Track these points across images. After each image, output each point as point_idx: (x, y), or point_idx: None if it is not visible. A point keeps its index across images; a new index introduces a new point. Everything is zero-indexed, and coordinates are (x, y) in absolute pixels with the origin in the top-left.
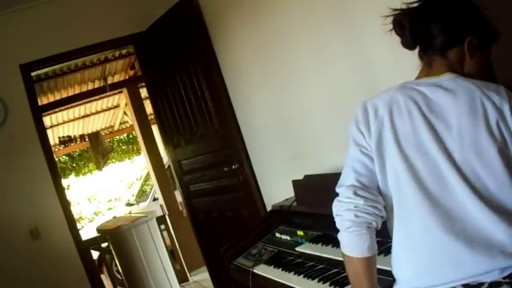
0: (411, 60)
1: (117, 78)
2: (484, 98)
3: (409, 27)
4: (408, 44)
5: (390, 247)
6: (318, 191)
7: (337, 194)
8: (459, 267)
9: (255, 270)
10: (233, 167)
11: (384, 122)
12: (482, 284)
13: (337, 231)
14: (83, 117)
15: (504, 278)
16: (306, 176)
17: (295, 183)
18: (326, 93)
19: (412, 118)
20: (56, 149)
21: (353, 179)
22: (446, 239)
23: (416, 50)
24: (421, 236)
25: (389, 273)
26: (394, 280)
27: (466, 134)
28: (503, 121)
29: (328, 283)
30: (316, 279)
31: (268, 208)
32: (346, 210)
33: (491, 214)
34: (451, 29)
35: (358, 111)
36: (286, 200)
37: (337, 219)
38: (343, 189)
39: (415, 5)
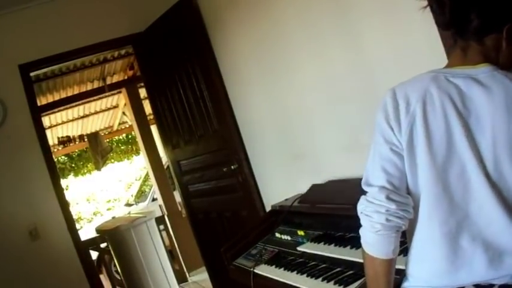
0: (410, 58)
1: (116, 78)
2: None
3: (450, 5)
4: (446, 24)
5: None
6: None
7: (363, 192)
8: (473, 272)
9: (256, 270)
10: (232, 167)
11: (416, 118)
12: (493, 285)
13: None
14: (82, 117)
15: None
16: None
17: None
18: (325, 92)
19: (446, 116)
20: (55, 149)
21: (384, 180)
22: (463, 244)
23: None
24: (441, 237)
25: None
26: (403, 276)
27: (501, 135)
28: None
29: (332, 282)
30: (320, 278)
31: (268, 208)
32: (376, 213)
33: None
34: (490, 13)
35: (387, 102)
36: (286, 200)
37: (365, 219)
38: (373, 190)
39: None
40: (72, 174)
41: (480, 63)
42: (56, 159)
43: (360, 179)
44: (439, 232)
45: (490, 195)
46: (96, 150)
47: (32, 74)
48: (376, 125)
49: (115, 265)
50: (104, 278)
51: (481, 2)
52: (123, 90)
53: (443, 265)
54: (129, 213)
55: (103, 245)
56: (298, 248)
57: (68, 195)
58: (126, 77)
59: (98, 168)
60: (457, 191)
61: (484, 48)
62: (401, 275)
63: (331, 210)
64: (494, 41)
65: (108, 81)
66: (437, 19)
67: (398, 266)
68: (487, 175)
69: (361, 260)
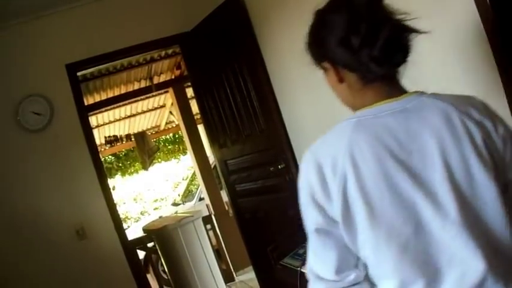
0: (457, 58)
1: (163, 78)
2: (464, 117)
3: (383, 43)
4: (382, 63)
5: None
6: None
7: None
8: None
9: (303, 270)
10: (279, 166)
11: (348, 179)
12: None
13: None
14: (129, 117)
15: None
16: None
17: None
18: None
19: (383, 167)
20: (102, 149)
21: (325, 271)
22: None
23: None
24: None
25: None
26: None
27: (455, 163)
28: (489, 139)
29: None
30: None
31: None
32: None
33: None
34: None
35: (308, 172)
36: None
37: None
38: (321, 285)
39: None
40: (119, 173)
41: (403, 93)
42: (103, 159)
43: None
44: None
45: (450, 234)
46: (143, 149)
47: (79, 73)
48: (301, 206)
49: (162, 265)
50: (151, 278)
51: (403, 33)
52: (170, 89)
53: None
54: (176, 212)
55: (150, 245)
56: None
57: (115, 195)
58: (173, 77)
59: (145, 167)
60: (418, 250)
61: (398, 79)
62: None
63: None
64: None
65: (155, 80)
66: (359, 68)
67: None
68: (455, 218)
69: None
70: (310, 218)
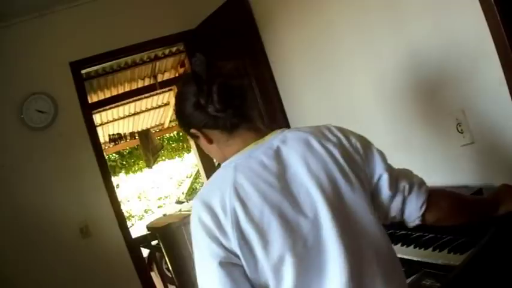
0: (459, 55)
1: (167, 76)
2: (323, 141)
3: (240, 102)
4: (242, 116)
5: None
6: None
7: None
8: None
9: None
10: None
11: (238, 213)
12: None
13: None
14: (133, 115)
15: None
16: None
17: None
18: (374, 90)
19: (266, 199)
20: (106, 147)
21: None
22: None
23: None
24: None
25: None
26: None
27: (325, 185)
28: (351, 159)
29: None
30: None
31: None
32: None
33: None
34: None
35: (201, 215)
36: None
37: None
38: None
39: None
40: (123, 171)
41: (267, 133)
42: (106, 157)
43: None
44: None
45: (333, 245)
46: (147, 147)
47: (83, 71)
48: (195, 244)
49: (166, 262)
50: (154, 276)
51: (231, 83)
52: (174, 87)
53: None
54: (180, 210)
55: (154, 243)
56: None
57: (119, 193)
58: (177, 75)
59: (149, 165)
60: (310, 262)
61: (256, 121)
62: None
63: None
64: (257, 111)
65: (159, 78)
66: (215, 119)
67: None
68: (332, 230)
69: (412, 258)
70: (210, 254)
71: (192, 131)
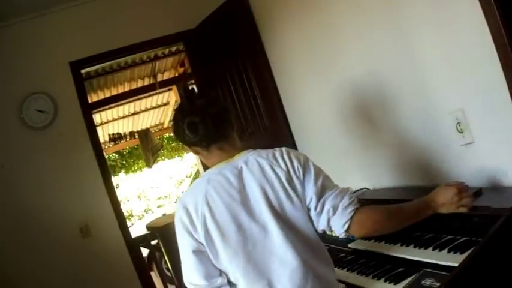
0: (459, 54)
1: (166, 75)
2: (274, 166)
3: (204, 128)
4: (204, 140)
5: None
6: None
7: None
8: None
9: None
10: None
11: (206, 216)
12: None
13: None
14: (133, 114)
15: None
16: None
17: None
18: (375, 90)
19: (229, 207)
20: (106, 147)
21: (199, 279)
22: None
23: None
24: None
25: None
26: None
27: (273, 200)
28: (292, 181)
29: (382, 279)
30: (370, 276)
31: None
32: None
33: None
34: (226, 119)
35: (181, 215)
36: None
37: None
38: (188, 284)
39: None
40: (123, 171)
41: (236, 154)
42: (106, 157)
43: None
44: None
45: (278, 243)
46: (147, 147)
47: (82, 71)
48: (177, 236)
49: (165, 262)
50: (154, 275)
51: (227, 115)
52: (174, 87)
53: None
54: None
55: (154, 242)
56: (349, 245)
57: (119, 192)
58: (177, 74)
59: (149, 165)
60: (258, 260)
61: (232, 141)
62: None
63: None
64: (233, 131)
65: (159, 78)
66: (193, 141)
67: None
68: (277, 235)
69: (412, 257)
70: (187, 244)
71: (184, 145)
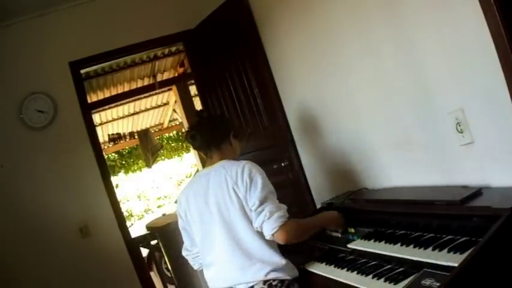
0: (460, 53)
1: (166, 75)
2: (227, 176)
3: (200, 139)
4: (198, 148)
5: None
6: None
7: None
8: (227, 279)
9: (306, 267)
10: (282, 164)
11: (183, 205)
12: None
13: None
14: (133, 114)
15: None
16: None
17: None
18: (374, 89)
19: (197, 199)
20: (105, 147)
21: (186, 246)
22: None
23: None
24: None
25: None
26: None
27: (220, 201)
28: (237, 188)
29: (382, 279)
30: (371, 276)
31: (318, 205)
32: (189, 261)
33: (237, 252)
34: (220, 134)
35: (178, 202)
36: (336, 197)
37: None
38: (183, 249)
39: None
40: (122, 171)
41: (217, 162)
42: (106, 157)
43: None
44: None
45: (223, 235)
46: (147, 147)
47: (82, 71)
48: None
49: (165, 262)
50: (154, 275)
51: (216, 127)
52: (174, 87)
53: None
54: None
55: (153, 242)
56: (349, 245)
57: (119, 193)
58: (176, 74)
59: (148, 165)
60: (210, 244)
61: (221, 152)
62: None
63: (382, 207)
64: (227, 144)
65: (159, 78)
66: (195, 147)
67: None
68: (221, 225)
69: (412, 257)
70: (179, 223)
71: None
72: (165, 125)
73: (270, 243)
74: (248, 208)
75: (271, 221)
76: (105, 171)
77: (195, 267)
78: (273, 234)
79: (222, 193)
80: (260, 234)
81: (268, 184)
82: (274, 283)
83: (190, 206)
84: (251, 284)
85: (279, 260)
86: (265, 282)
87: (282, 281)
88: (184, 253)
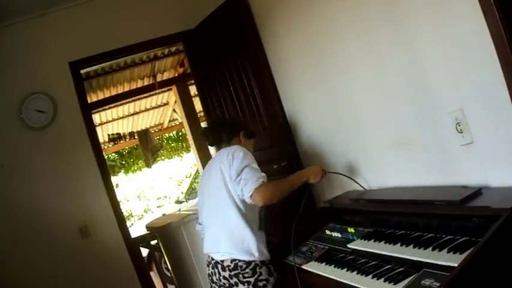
0: (460, 55)
1: (166, 75)
2: (221, 156)
3: (212, 136)
4: (211, 144)
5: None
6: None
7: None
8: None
9: (306, 268)
10: (282, 164)
11: (200, 183)
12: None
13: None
14: (132, 114)
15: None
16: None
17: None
18: (374, 90)
19: (204, 178)
20: (105, 147)
21: (199, 218)
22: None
23: None
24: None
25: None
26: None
27: (213, 178)
28: (223, 165)
29: (382, 279)
30: (370, 275)
31: (318, 206)
32: (200, 234)
33: (222, 221)
34: (231, 130)
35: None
36: (336, 197)
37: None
38: (198, 225)
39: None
40: (122, 171)
41: (223, 148)
42: (106, 157)
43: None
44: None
45: (214, 204)
46: (147, 147)
47: (82, 71)
48: None
49: (165, 262)
50: (154, 275)
51: (226, 127)
52: (174, 87)
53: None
54: (179, 210)
55: (153, 242)
56: (349, 245)
57: (119, 193)
58: (176, 74)
59: (148, 165)
60: (210, 211)
61: (233, 144)
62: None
63: (382, 207)
64: (237, 140)
65: (159, 78)
66: (209, 143)
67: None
68: (209, 203)
69: (411, 257)
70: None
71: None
72: (165, 125)
73: (249, 223)
74: (231, 183)
75: (248, 186)
76: (105, 171)
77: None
78: (250, 197)
79: (216, 169)
80: (239, 211)
81: (248, 159)
82: (240, 264)
83: (201, 184)
84: (222, 258)
85: (252, 242)
86: (232, 260)
87: (248, 263)
88: (197, 227)
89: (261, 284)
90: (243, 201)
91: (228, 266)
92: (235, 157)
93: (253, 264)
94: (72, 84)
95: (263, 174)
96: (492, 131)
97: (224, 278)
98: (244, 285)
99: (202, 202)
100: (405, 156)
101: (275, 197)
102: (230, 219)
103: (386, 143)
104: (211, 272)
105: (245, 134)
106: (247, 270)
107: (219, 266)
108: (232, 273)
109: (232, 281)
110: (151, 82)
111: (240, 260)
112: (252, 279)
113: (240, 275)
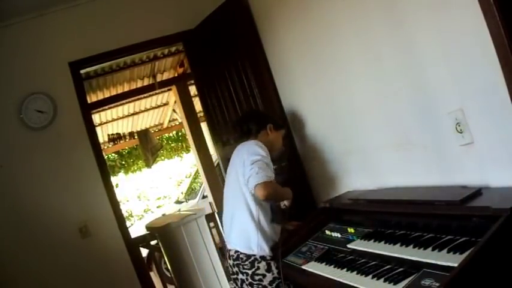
0: (460, 54)
1: (166, 75)
2: (243, 148)
3: (240, 127)
4: (241, 136)
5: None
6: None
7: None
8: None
9: (306, 268)
10: (282, 164)
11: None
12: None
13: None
14: (132, 114)
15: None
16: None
17: None
18: (374, 89)
19: (229, 165)
20: (105, 147)
21: None
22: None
23: None
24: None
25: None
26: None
27: (232, 170)
28: (242, 162)
29: (382, 279)
30: (370, 276)
31: (318, 206)
32: None
33: (237, 211)
34: (259, 123)
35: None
36: (336, 197)
37: None
38: None
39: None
40: (122, 171)
41: (245, 141)
42: (106, 157)
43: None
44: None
45: (231, 192)
46: (146, 147)
47: (82, 71)
48: None
49: (165, 262)
50: (154, 275)
51: (255, 119)
52: (173, 87)
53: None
54: (179, 210)
55: (153, 242)
56: (348, 246)
57: (119, 193)
58: (176, 75)
59: (148, 165)
60: (227, 195)
61: (256, 138)
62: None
63: (382, 207)
64: (265, 133)
65: (159, 78)
66: (234, 137)
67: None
68: (228, 191)
69: (411, 257)
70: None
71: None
72: (165, 125)
73: (255, 217)
74: (242, 168)
75: (257, 176)
76: (105, 171)
77: None
78: (255, 187)
79: (239, 161)
80: (249, 205)
81: (264, 157)
82: (241, 255)
83: (227, 172)
84: (230, 248)
85: (253, 237)
86: (236, 251)
87: (248, 256)
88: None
89: (256, 277)
90: (253, 194)
91: (232, 256)
92: (253, 151)
93: (252, 258)
94: (72, 84)
95: (273, 174)
96: (492, 131)
97: (231, 265)
98: (243, 275)
99: (224, 192)
100: (405, 156)
101: (273, 198)
102: (240, 213)
103: (386, 143)
104: (227, 257)
105: (273, 127)
106: (247, 262)
107: (228, 254)
108: (235, 262)
109: (235, 270)
110: (151, 82)
111: (241, 252)
112: (249, 272)
113: (241, 266)
